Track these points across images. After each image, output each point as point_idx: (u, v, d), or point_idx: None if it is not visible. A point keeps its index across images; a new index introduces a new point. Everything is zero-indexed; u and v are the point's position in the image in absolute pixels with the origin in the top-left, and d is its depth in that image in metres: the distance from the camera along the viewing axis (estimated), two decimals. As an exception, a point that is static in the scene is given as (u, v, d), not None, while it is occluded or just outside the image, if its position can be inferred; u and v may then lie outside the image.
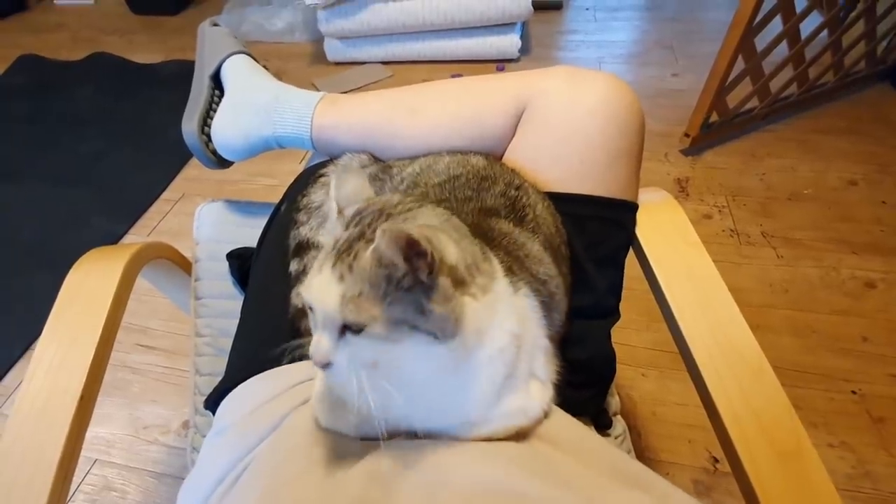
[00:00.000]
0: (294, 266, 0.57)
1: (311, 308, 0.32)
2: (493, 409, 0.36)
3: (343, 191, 0.36)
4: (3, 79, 2.22)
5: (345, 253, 0.31)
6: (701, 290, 0.52)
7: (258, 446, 0.44)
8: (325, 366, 0.31)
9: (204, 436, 0.66)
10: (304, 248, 0.58)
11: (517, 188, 0.49)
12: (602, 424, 0.57)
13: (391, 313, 0.29)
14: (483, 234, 0.42)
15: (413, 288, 0.29)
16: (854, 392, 1.00)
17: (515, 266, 0.40)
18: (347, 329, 0.30)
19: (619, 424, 0.60)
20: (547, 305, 0.41)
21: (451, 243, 0.31)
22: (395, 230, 0.27)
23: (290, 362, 0.49)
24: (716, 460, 0.93)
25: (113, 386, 1.13)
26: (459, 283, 0.31)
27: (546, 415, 0.40)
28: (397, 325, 0.30)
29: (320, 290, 0.31)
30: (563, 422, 0.43)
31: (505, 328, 0.35)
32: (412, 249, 0.28)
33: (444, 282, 0.29)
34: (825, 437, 0.94)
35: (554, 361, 0.42)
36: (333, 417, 0.40)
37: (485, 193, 0.48)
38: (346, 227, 0.33)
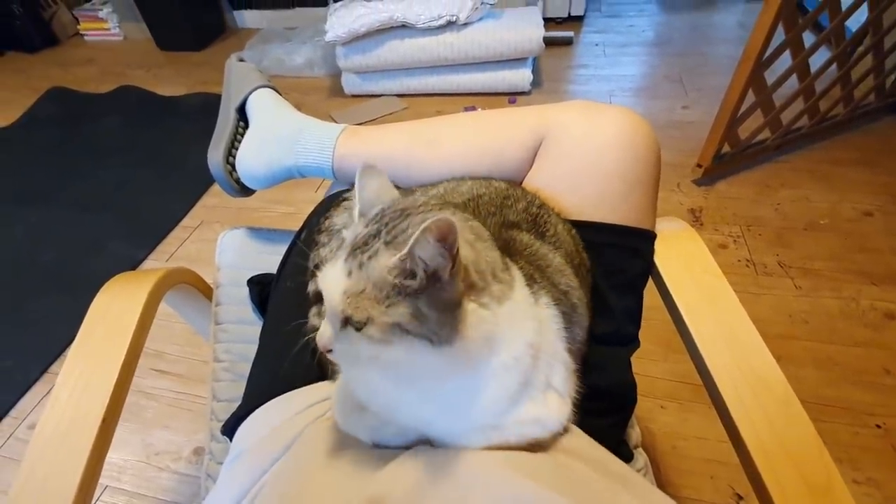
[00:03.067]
0: (312, 286, 0.58)
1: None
2: (507, 417, 0.36)
3: (366, 193, 0.37)
4: (33, 110, 2.32)
5: (359, 249, 0.32)
6: (723, 320, 0.51)
7: (274, 465, 0.44)
8: (329, 352, 0.33)
9: (220, 463, 0.66)
10: None
11: (539, 206, 0.50)
12: (623, 457, 0.55)
13: (388, 316, 0.30)
14: (504, 244, 0.42)
15: (421, 290, 0.29)
16: (878, 426, 0.97)
17: (537, 275, 0.41)
18: (349, 322, 0.31)
19: (640, 457, 0.58)
20: (568, 317, 0.41)
21: (464, 245, 0.31)
22: (439, 220, 0.27)
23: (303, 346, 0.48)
24: (739, 497, 0.90)
25: (126, 410, 1.10)
26: (469, 288, 0.31)
27: (565, 430, 0.39)
28: (392, 328, 0.30)
29: (329, 281, 0.32)
30: (585, 442, 0.42)
31: (521, 337, 0.34)
32: (451, 237, 0.28)
33: (458, 284, 0.30)
34: (850, 472, 0.91)
35: (574, 378, 0.41)
36: (350, 419, 0.40)
37: (507, 210, 0.48)
38: (367, 225, 0.34)
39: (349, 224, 0.60)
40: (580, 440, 0.41)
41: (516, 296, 0.34)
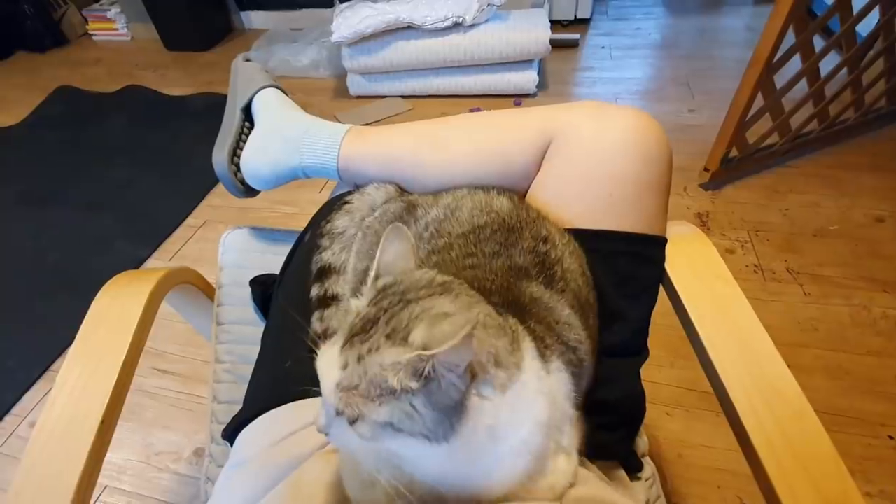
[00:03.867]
0: (315, 291, 0.57)
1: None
2: (520, 491, 0.34)
3: (386, 256, 0.35)
4: (41, 108, 2.33)
5: (357, 336, 0.30)
6: (735, 326, 0.50)
7: (276, 486, 0.43)
8: (327, 434, 0.32)
9: (220, 466, 0.65)
10: (326, 272, 0.58)
11: (545, 241, 0.48)
12: (632, 468, 0.54)
13: (379, 415, 0.28)
14: (515, 300, 0.41)
15: (420, 389, 0.28)
16: (891, 437, 0.95)
17: (548, 337, 0.39)
18: (341, 414, 0.30)
19: (648, 467, 0.57)
20: (577, 375, 0.40)
21: None
22: (461, 341, 0.26)
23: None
24: (747, 508, 0.89)
25: (127, 410, 1.10)
26: (470, 380, 0.29)
27: (572, 486, 0.38)
28: (384, 426, 0.29)
29: (324, 368, 0.31)
30: (592, 481, 0.41)
31: (531, 418, 0.33)
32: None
33: (465, 381, 0.28)
34: (862, 485, 0.89)
35: (580, 427, 0.40)
36: (364, 495, 0.38)
37: (513, 249, 0.46)
38: (370, 303, 0.33)
39: (349, 227, 0.60)
40: (586, 484, 0.40)
41: (525, 376, 0.32)
